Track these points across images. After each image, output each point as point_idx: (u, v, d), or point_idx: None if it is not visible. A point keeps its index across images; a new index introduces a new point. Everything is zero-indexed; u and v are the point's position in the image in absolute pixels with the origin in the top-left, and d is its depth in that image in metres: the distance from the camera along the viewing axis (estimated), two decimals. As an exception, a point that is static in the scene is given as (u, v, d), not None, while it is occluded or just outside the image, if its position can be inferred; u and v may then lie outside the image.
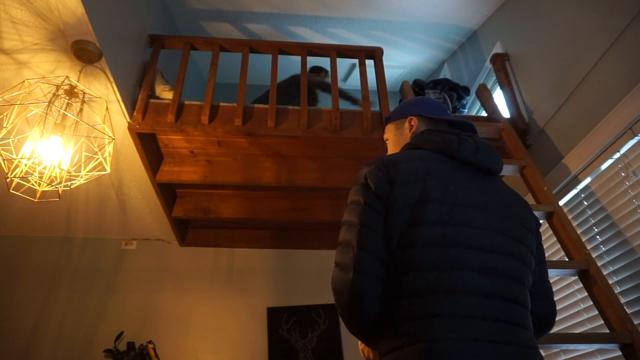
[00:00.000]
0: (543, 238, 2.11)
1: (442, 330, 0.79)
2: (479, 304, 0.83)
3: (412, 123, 1.18)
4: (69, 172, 1.98)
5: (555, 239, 1.85)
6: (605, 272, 1.68)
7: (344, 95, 3.23)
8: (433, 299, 0.82)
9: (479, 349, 0.78)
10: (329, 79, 3.20)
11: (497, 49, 2.87)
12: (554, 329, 2.01)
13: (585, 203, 1.91)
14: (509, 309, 0.86)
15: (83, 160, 2.12)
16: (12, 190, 1.88)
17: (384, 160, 0.99)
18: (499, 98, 2.69)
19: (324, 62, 2.91)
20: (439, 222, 0.89)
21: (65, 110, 1.97)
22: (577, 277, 1.69)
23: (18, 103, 1.86)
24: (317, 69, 3.41)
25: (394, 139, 1.23)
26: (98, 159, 2.05)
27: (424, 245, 0.87)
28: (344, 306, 0.87)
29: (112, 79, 2.10)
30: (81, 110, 2.06)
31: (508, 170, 2.07)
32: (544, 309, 1.01)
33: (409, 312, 0.83)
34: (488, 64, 2.96)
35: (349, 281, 0.86)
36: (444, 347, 0.77)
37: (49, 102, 1.90)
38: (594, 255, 1.77)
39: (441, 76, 4.00)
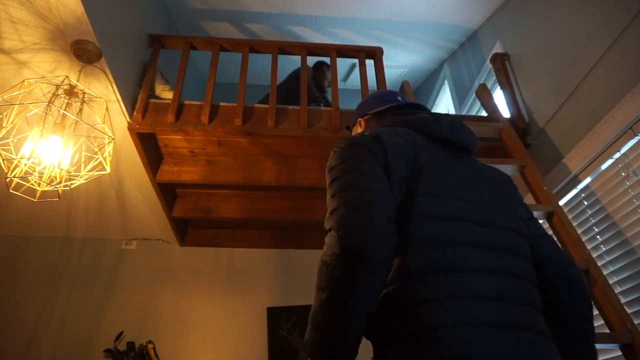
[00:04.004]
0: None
1: (453, 315, 0.70)
2: (490, 281, 0.75)
3: (362, 125, 1.18)
4: (69, 172, 1.98)
5: (555, 238, 1.85)
6: (605, 272, 1.68)
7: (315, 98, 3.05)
8: (439, 279, 0.74)
9: (495, 336, 0.70)
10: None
11: (497, 48, 2.87)
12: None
13: (586, 203, 1.91)
14: (521, 287, 0.79)
15: (83, 160, 2.12)
16: (12, 190, 1.88)
17: (366, 133, 0.94)
18: (499, 98, 2.68)
19: (324, 61, 2.91)
20: (435, 195, 0.83)
21: (65, 110, 1.97)
22: (577, 277, 1.69)
23: (18, 103, 1.86)
24: (319, 65, 3.38)
25: None
26: (98, 158, 2.05)
27: (424, 217, 0.79)
28: (351, 248, 0.71)
29: (112, 79, 2.10)
30: (81, 110, 2.06)
31: (508, 170, 2.07)
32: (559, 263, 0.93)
33: (412, 294, 0.73)
34: (488, 64, 2.96)
35: (361, 214, 0.73)
36: (455, 335, 0.68)
37: (49, 102, 1.90)
38: (594, 255, 1.77)
39: (441, 76, 4.00)
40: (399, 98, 1.19)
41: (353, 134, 1.22)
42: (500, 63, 2.74)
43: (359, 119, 1.20)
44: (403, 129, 0.99)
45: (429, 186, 0.84)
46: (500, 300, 0.74)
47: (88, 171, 2.06)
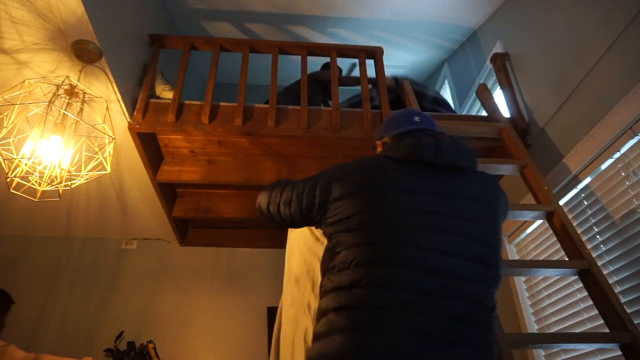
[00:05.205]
0: (543, 238, 2.13)
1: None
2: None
3: (379, 149, 1.28)
4: (69, 172, 1.98)
5: (555, 238, 1.85)
6: (605, 272, 1.68)
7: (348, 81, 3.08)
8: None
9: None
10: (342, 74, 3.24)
11: (498, 48, 2.87)
12: (554, 329, 2.01)
13: (586, 203, 1.91)
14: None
15: (83, 160, 2.12)
16: (13, 190, 1.88)
17: (333, 172, 1.11)
18: (499, 98, 2.68)
19: (324, 61, 2.91)
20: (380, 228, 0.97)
21: (65, 110, 1.97)
22: (577, 277, 1.69)
23: (18, 103, 1.86)
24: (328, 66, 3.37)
25: None
26: (98, 158, 2.05)
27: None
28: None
29: (112, 79, 2.10)
30: (81, 110, 2.06)
31: (508, 170, 2.07)
32: None
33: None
34: (488, 64, 2.96)
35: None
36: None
37: (49, 102, 1.90)
38: (594, 255, 1.77)
39: (441, 76, 4.00)
40: (416, 118, 1.25)
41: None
42: (501, 63, 2.74)
43: (378, 143, 1.31)
44: (383, 160, 1.11)
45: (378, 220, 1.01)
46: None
47: (88, 171, 2.06)
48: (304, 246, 1.42)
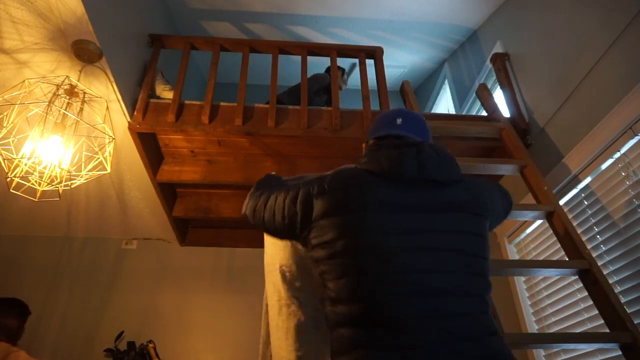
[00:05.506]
0: (543, 238, 2.13)
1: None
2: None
3: (365, 151, 1.24)
4: (69, 172, 1.98)
5: (555, 238, 1.85)
6: (605, 272, 1.68)
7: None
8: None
9: None
10: (343, 79, 3.30)
11: (498, 48, 2.87)
12: (554, 329, 2.01)
13: (586, 203, 1.91)
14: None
15: (83, 160, 2.12)
16: (13, 190, 1.88)
17: (319, 182, 1.07)
18: (499, 98, 2.68)
19: (324, 61, 2.91)
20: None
21: (65, 109, 1.97)
22: (577, 277, 1.70)
23: (18, 103, 1.86)
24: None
25: None
26: (98, 158, 2.05)
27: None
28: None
29: (112, 79, 2.10)
30: (81, 109, 2.06)
31: (508, 170, 2.07)
32: None
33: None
34: (488, 64, 2.96)
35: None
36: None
37: (49, 102, 1.90)
38: (594, 255, 1.77)
39: (441, 76, 4.00)
40: (398, 121, 1.20)
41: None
42: (501, 63, 2.74)
43: (364, 144, 1.28)
44: (364, 173, 1.08)
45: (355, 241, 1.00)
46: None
47: (88, 171, 2.06)
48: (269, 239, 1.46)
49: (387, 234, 0.96)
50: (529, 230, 2.29)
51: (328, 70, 3.30)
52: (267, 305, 1.45)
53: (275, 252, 1.41)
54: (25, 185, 1.96)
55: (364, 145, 1.27)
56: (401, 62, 3.95)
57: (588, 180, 1.91)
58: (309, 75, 3.01)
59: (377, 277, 0.92)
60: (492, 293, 1.01)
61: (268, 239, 1.46)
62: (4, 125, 1.84)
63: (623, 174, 1.70)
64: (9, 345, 1.99)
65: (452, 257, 0.97)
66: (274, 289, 1.37)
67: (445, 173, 1.06)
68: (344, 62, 3.75)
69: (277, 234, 1.19)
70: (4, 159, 1.88)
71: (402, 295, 0.90)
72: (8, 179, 1.86)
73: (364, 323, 0.90)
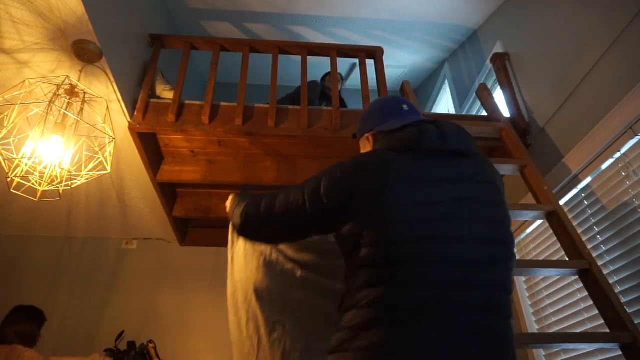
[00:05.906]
0: (543, 238, 2.13)
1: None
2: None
3: (370, 140, 1.19)
4: (70, 172, 1.98)
5: (555, 238, 1.85)
6: (605, 272, 1.68)
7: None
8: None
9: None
10: (342, 85, 3.30)
11: (498, 48, 2.87)
12: (554, 329, 2.01)
13: (586, 203, 1.91)
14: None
15: (84, 160, 2.12)
16: (13, 190, 1.88)
17: (353, 164, 1.03)
18: (499, 98, 2.68)
19: (325, 61, 2.91)
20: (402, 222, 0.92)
21: (65, 109, 1.97)
22: (577, 277, 1.70)
23: (19, 103, 1.86)
24: (327, 76, 3.37)
25: None
26: (99, 158, 2.05)
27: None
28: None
29: (112, 79, 2.10)
30: (82, 109, 2.06)
31: (508, 170, 2.07)
32: None
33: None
34: (488, 64, 2.96)
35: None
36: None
37: (50, 102, 1.90)
38: (594, 255, 1.77)
39: (441, 76, 4.00)
40: (404, 107, 1.19)
41: (361, 148, 1.25)
42: (501, 63, 2.74)
43: (367, 134, 1.20)
44: (391, 153, 1.04)
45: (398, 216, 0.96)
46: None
47: (89, 171, 2.06)
48: (243, 260, 1.35)
49: (417, 205, 0.94)
50: (529, 230, 2.29)
51: (324, 77, 3.32)
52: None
53: (243, 276, 1.31)
54: (26, 185, 1.96)
55: (367, 135, 1.20)
56: (401, 62, 3.95)
57: (588, 180, 1.91)
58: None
59: (408, 249, 0.91)
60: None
61: (237, 263, 1.36)
62: (5, 125, 1.84)
63: (623, 174, 1.70)
64: (22, 347, 2.05)
65: (483, 225, 0.97)
66: (249, 319, 1.25)
67: (466, 144, 1.08)
68: (344, 62, 3.75)
69: (292, 231, 1.14)
70: (4, 159, 1.88)
71: (438, 265, 0.89)
72: (8, 179, 1.86)
73: (399, 285, 0.89)
